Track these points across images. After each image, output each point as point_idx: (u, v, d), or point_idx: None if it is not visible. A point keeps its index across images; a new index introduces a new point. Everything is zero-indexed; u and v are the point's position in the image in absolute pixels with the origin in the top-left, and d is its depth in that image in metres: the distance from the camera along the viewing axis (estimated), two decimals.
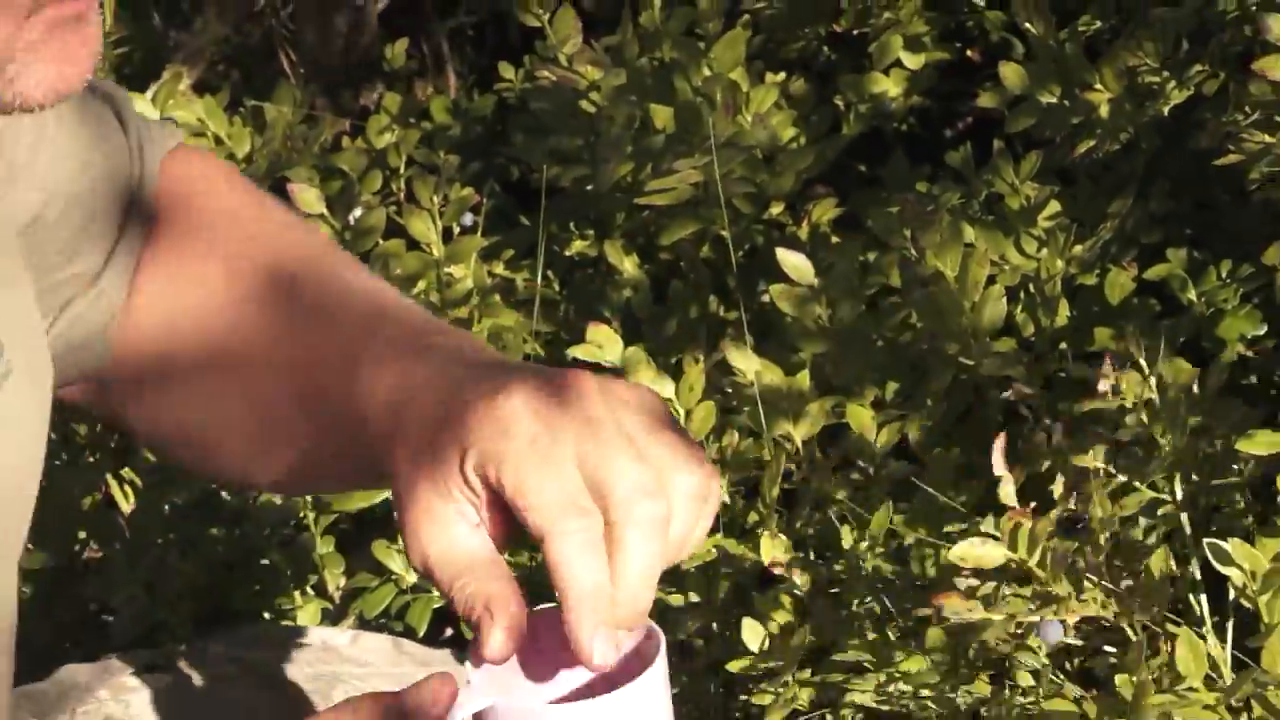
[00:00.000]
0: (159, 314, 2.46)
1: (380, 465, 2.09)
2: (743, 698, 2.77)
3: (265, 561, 3.17)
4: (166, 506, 3.35)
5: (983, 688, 2.53)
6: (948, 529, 2.66)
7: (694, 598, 2.84)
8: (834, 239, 2.98)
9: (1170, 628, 2.38)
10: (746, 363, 2.75)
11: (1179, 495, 2.53)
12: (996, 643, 2.50)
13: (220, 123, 3.22)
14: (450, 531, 1.96)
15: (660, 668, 1.94)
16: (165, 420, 2.51)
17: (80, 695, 2.77)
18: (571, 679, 2.06)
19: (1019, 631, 2.46)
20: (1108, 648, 2.53)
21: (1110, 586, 2.41)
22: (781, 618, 2.63)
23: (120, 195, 2.46)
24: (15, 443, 2.33)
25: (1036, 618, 2.41)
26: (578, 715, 1.97)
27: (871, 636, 2.62)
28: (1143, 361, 2.54)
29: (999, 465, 2.44)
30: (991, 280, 2.80)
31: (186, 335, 2.47)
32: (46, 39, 1.91)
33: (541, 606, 2.09)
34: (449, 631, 3.10)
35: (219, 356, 2.46)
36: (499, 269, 3.16)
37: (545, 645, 2.04)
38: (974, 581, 2.42)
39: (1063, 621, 2.42)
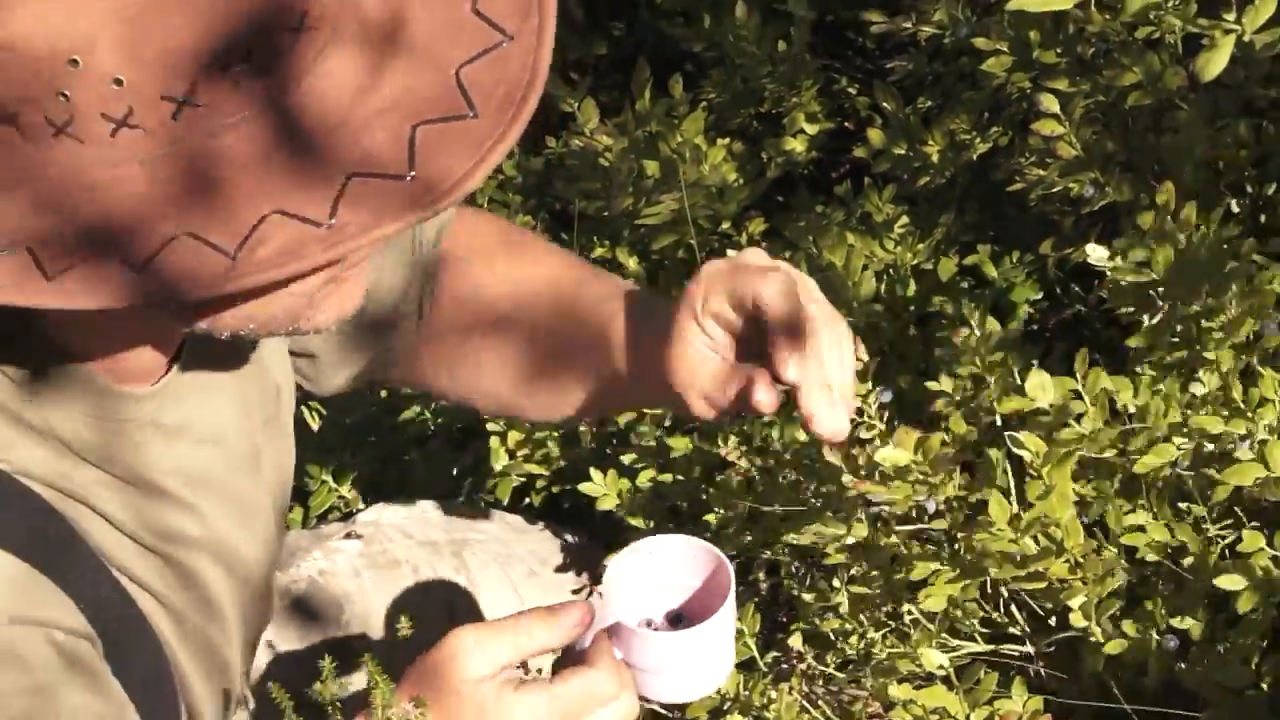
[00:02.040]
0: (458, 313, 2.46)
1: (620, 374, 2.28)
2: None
3: (408, 458, 3.12)
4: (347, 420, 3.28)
5: (860, 530, 2.47)
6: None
7: (680, 477, 2.80)
8: (763, 244, 2.94)
9: (991, 493, 2.35)
10: None
11: (996, 406, 2.50)
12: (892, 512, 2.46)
13: None
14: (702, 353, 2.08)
15: (733, 596, 2.05)
16: (462, 383, 2.49)
17: (301, 554, 2.77)
18: (671, 602, 2.15)
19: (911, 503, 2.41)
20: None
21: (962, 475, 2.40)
22: (730, 495, 2.63)
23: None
24: (288, 447, 2.32)
25: (922, 496, 2.38)
26: (684, 639, 2.06)
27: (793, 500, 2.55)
28: (970, 320, 2.53)
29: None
30: (865, 267, 2.83)
31: (474, 322, 2.45)
32: (334, 290, 1.89)
33: (662, 537, 2.16)
34: (526, 500, 3.03)
35: (498, 331, 2.45)
36: None
37: (659, 571, 2.13)
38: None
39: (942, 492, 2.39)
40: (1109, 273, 2.49)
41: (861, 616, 2.47)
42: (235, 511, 2.18)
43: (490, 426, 3.03)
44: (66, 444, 1.96)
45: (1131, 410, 2.35)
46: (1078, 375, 2.35)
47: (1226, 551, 2.32)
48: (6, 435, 1.91)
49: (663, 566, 2.13)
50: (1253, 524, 2.30)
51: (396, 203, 1.69)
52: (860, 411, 2.38)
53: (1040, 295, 2.81)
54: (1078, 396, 2.34)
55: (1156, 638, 2.32)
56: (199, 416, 2.11)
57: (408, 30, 1.79)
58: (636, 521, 2.78)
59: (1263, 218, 2.54)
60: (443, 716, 2.03)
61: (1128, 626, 2.33)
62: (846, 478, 2.44)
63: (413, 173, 1.71)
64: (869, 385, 2.39)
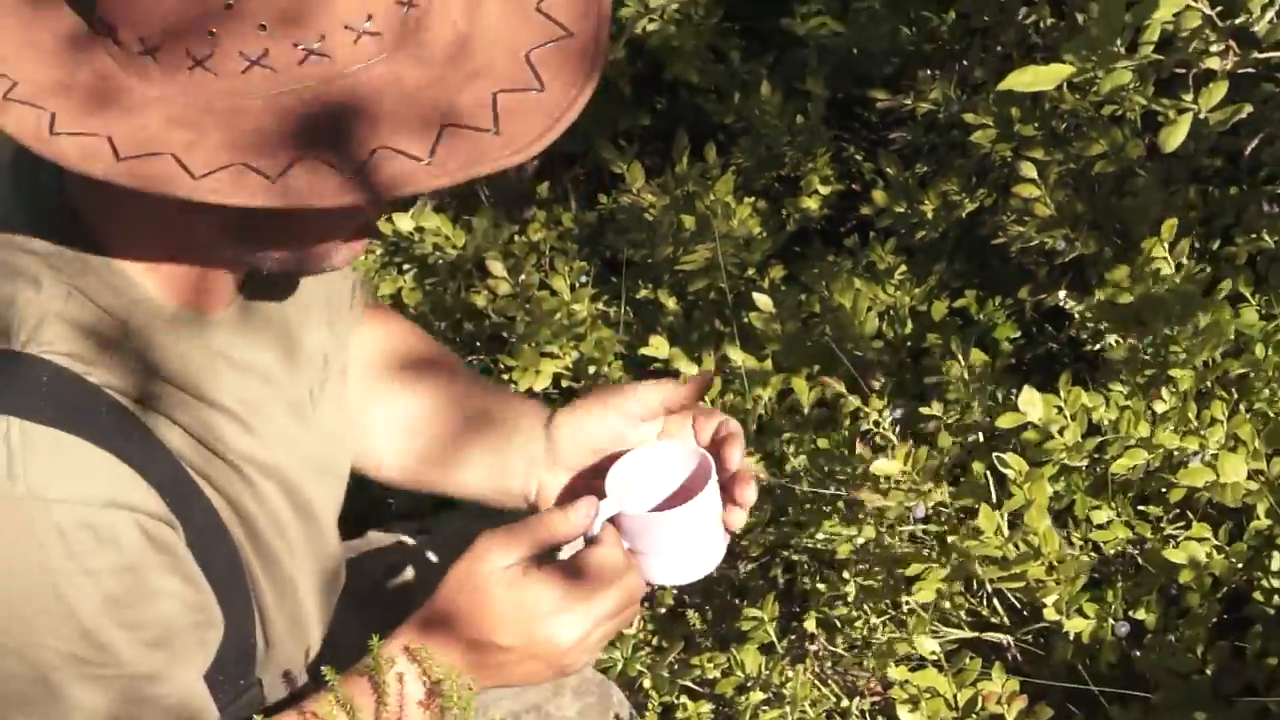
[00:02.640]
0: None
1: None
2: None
3: None
4: None
5: (870, 532, 2.48)
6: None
7: None
8: (783, 288, 2.98)
9: (981, 506, 2.36)
10: (737, 355, 2.76)
11: (981, 427, 2.54)
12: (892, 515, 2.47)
13: (448, 228, 3.20)
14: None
15: (715, 483, 2.08)
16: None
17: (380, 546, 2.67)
18: (656, 498, 2.18)
19: (905, 508, 2.42)
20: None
21: (949, 487, 2.44)
22: (758, 498, 2.61)
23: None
24: (345, 419, 2.31)
25: (913, 502, 2.40)
26: (676, 517, 2.07)
27: (808, 507, 2.57)
28: (958, 354, 2.58)
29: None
30: (869, 308, 2.82)
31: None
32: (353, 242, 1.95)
33: (657, 443, 2.21)
34: None
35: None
36: (600, 305, 3.13)
37: (654, 473, 2.17)
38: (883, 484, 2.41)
39: (931, 498, 2.41)
40: (1086, 313, 2.54)
41: (865, 606, 2.47)
42: (289, 449, 2.14)
43: None
44: (144, 364, 1.95)
45: (1105, 423, 2.36)
46: (1061, 394, 2.35)
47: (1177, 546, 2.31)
48: (90, 356, 1.90)
49: (657, 469, 2.16)
50: (1200, 524, 2.32)
51: (483, 151, 1.73)
52: (876, 423, 2.43)
53: (1019, 334, 2.80)
54: (1060, 411, 2.35)
55: (1112, 623, 2.33)
56: (252, 354, 2.09)
57: (484, 18, 1.84)
58: None
59: (1209, 269, 2.55)
60: (476, 605, 2.03)
61: (1088, 609, 2.34)
62: (853, 487, 2.47)
63: (496, 129, 1.75)
64: (882, 404, 2.44)
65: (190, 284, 2.02)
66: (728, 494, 2.21)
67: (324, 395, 2.23)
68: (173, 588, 1.96)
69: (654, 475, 2.17)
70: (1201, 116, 1.94)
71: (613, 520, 2.06)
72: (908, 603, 2.45)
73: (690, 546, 2.11)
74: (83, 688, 1.94)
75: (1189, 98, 1.98)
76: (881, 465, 2.40)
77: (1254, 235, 2.60)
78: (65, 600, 1.88)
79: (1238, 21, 1.87)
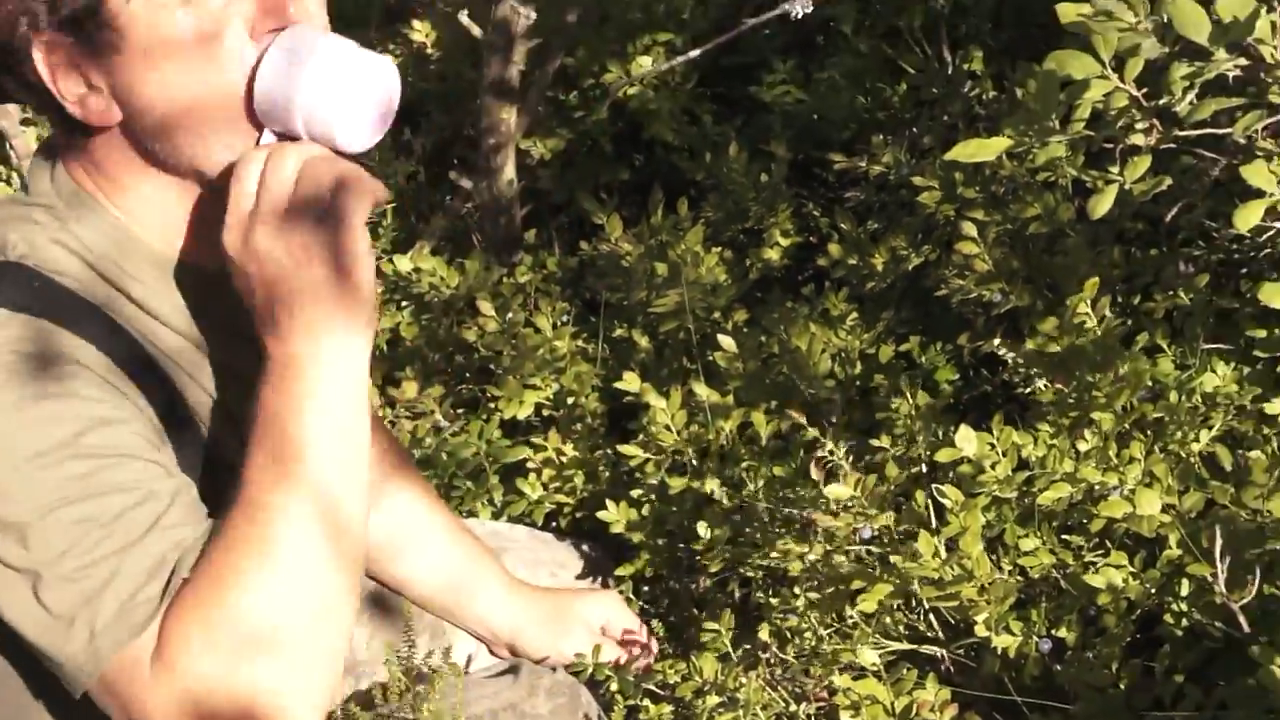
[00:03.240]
0: None
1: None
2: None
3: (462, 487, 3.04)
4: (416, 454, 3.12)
5: (820, 550, 2.44)
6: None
7: (674, 509, 2.75)
8: (745, 330, 2.98)
9: (920, 533, 2.35)
10: (702, 390, 2.74)
11: (923, 460, 2.53)
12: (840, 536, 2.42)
13: (443, 269, 3.20)
14: None
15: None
16: None
17: None
18: None
19: (853, 530, 2.40)
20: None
21: (893, 513, 2.41)
22: (714, 522, 2.63)
23: None
24: None
25: (860, 524, 2.38)
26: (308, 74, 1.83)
27: (763, 528, 2.54)
28: (905, 393, 2.57)
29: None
30: (823, 351, 2.82)
31: None
32: None
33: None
34: (555, 523, 3.00)
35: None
36: (579, 342, 3.13)
37: None
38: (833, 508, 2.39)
39: (877, 522, 2.39)
40: (1018, 360, 2.54)
41: (813, 617, 2.45)
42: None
43: (529, 463, 3.02)
44: (123, 286, 2.02)
45: (1033, 459, 2.36)
46: (994, 432, 2.36)
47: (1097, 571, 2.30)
48: (73, 271, 1.98)
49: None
50: (1118, 552, 2.32)
51: None
52: (831, 453, 2.42)
53: (957, 376, 2.80)
54: (993, 448, 2.35)
55: (1036, 640, 2.32)
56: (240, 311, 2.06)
57: None
58: (639, 539, 2.75)
59: (1129, 322, 2.55)
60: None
61: (1015, 626, 2.33)
62: (805, 510, 2.45)
63: None
64: (835, 441, 2.43)
65: (185, 238, 2.05)
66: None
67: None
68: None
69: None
70: (1127, 187, 1.95)
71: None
72: (852, 617, 2.43)
73: (348, 88, 1.89)
74: None
75: (1116, 169, 1.99)
76: (834, 490, 2.39)
77: (1171, 293, 2.60)
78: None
79: (1161, 102, 1.87)
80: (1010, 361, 2.58)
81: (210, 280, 2.06)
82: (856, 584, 2.40)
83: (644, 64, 3.46)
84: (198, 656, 1.86)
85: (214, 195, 2.00)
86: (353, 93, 1.88)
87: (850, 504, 2.40)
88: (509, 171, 3.42)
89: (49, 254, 1.99)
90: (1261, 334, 2.45)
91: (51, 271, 1.98)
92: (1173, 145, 1.93)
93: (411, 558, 2.50)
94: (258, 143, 1.91)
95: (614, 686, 2.50)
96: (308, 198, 1.89)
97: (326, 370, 1.93)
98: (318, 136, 1.88)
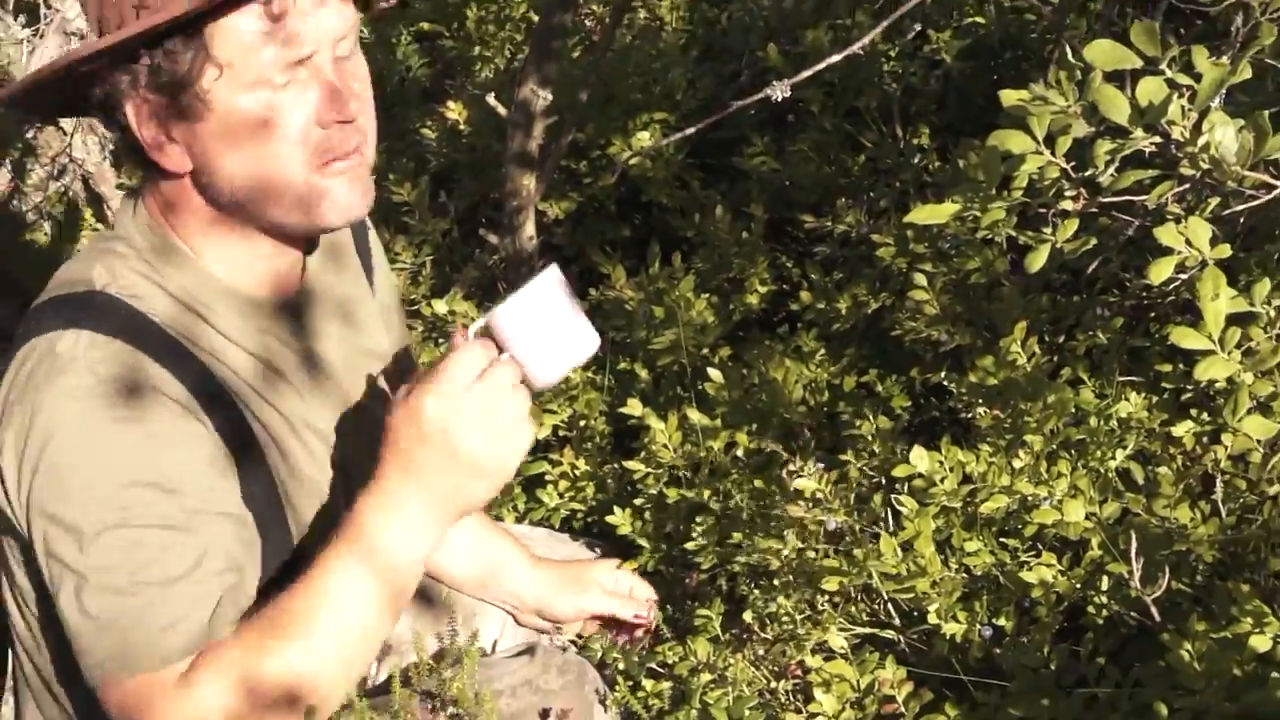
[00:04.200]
0: None
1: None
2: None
3: None
4: None
5: (795, 542, 2.42)
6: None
7: (670, 516, 2.74)
8: (729, 364, 2.97)
9: (882, 534, 2.38)
10: (694, 415, 2.73)
11: (882, 474, 2.52)
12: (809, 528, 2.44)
13: (474, 311, 3.20)
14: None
15: (556, 275, 1.87)
16: None
17: None
18: None
19: (819, 522, 2.41)
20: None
21: (855, 513, 2.44)
22: (709, 524, 2.62)
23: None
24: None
25: (825, 517, 2.39)
26: (523, 301, 1.87)
27: (746, 531, 2.53)
28: (868, 417, 2.58)
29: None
30: (796, 381, 2.81)
31: None
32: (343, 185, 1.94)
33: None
34: (569, 525, 2.99)
35: None
36: (589, 374, 3.11)
37: None
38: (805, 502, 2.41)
39: (839, 518, 2.39)
40: (962, 390, 2.54)
41: (789, 604, 2.43)
42: (331, 416, 2.11)
43: (547, 476, 3.01)
44: (202, 319, 1.98)
45: (975, 474, 2.36)
46: (942, 451, 2.36)
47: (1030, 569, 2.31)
48: (158, 306, 1.95)
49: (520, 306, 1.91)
50: (1048, 553, 2.32)
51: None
52: (802, 468, 2.42)
53: (910, 403, 2.79)
54: (941, 464, 2.35)
55: (979, 627, 2.32)
56: (300, 338, 2.09)
57: None
58: (643, 541, 2.74)
59: (1055, 359, 2.56)
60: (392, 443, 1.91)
61: (961, 615, 2.33)
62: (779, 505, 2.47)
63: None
64: (811, 459, 2.44)
65: (249, 272, 2.03)
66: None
67: (370, 374, 2.18)
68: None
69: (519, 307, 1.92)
70: (1058, 246, 1.96)
71: (480, 332, 1.90)
72: (823, 607, 2.42)
73: (549, 336, 1.90)
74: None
75: (1048, 230, 2.00)
76: (802, 483, 2.40)
77: (1090, 333, 2.60)
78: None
79: (1087, 173, 1.88)
80: (955, 391, 2.58)
81: (272, 308, 2.07)
82: (826, 576, 2.39)
83: (643, 138, 3.47)
84: (226, 699, 1.84)
85: (273, 234, 2.01)
86: (565, 359, 1.92)
87: (817, 497, 2.40)
88: (529, 229, 3.42)
89: (132, 286, 1.96)
90: (1168, 369, 2.45)
91: (132, 299, 1.94)
92: (1095, 209, 1.94)
93: (447, 549, 2.48)
94: (471, 329, 1.91)
95: (620, 666, 2.50)
96: (495, 412, 1.87)
97: (425, 515, 1.92)
98: (524, 366, 1.88)
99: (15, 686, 2.21)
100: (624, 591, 2.60)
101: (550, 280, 1.89)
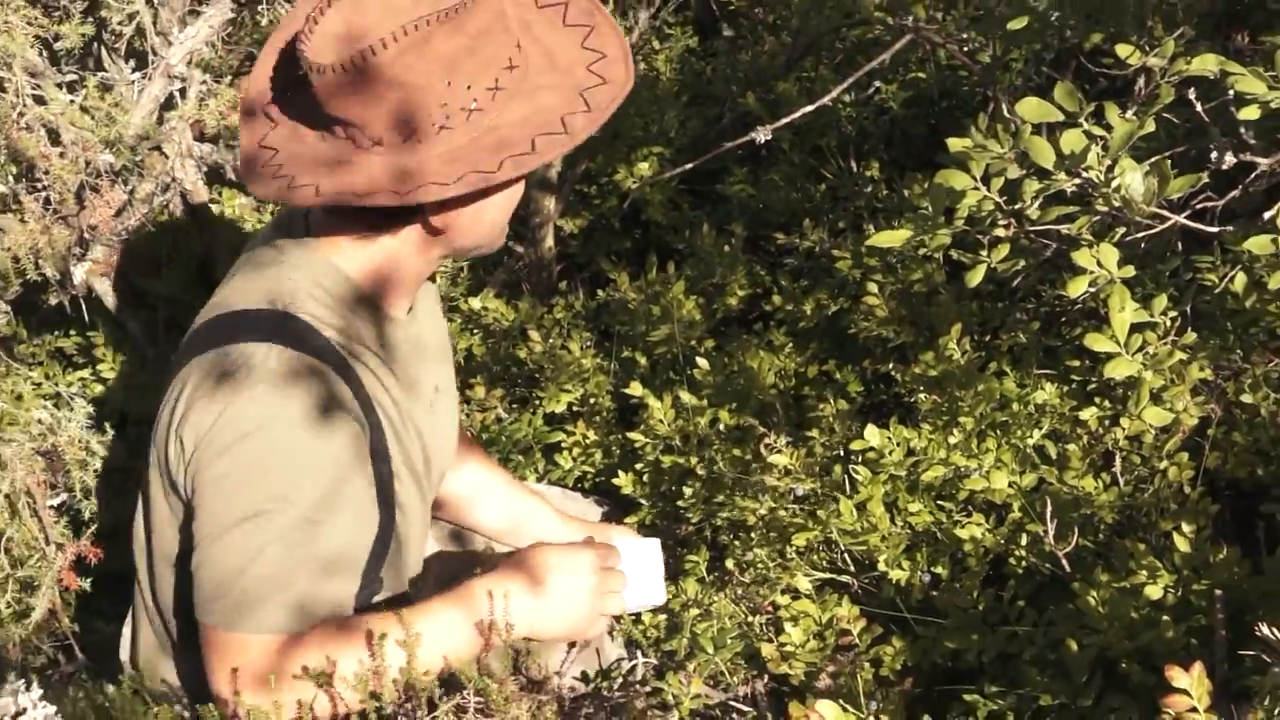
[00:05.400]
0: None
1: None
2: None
3: (515, 458, 3.03)
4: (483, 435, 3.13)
5: (769, 503, 2.45)
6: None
7: (665, 478, 2.74)
8: (714, 354, 2.94)
9: (841, 498, 2.40)
10: (685, 396, 2.73)
11: (841, 447, 2.52)
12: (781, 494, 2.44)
13: (503, 307, 3.19)
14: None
15: (659, 552, 2.07)
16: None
17: None
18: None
19: (789, 489, 2.42)
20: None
21: (818, 481, 2.45)
22: (697, 486, 2.61)
23: None
24: (450, 439, 2.25)
25: (795, 484, 2.40)
26: (648, 545, 2.06)
27: (728, 492, 2.55)
28: (829, 400, 2.57)
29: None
30: (769, 370, 2.81)
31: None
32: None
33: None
34: (582, 485, 2.97)
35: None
36: (598, 360, 3.09)
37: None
38: (777, 471, 2.45)
39: (806, 486, 2.40)
40: (906, 379, 2.54)
41: (763, 554, 2.45)
42: (424, 420, 2.09)
43: (563, 444, 3.00)
44: (353, 330, 1.95)
45: (918, 449, 2.37)
46: (890, 429, 2.37)
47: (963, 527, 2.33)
48: (325, 320, 1.91)
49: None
50: (978, 514, 2.34)
51: (591, 120, 1.80)
52: (774, 440, 2.42)
53: (863, 389, 2.79)
54: (890, 440, 2.36)
55: (920, 574, 2.34)
56: (408, 347, 2.06)
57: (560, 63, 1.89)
58: (641, 499, 2.75)
59: (983, 354, 2.56)
60: (534, 560, 1.92)
61: (905, 564, 2.34)
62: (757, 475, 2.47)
63: (588, 108, 1.82)
64: (777, 432, 2.43)
65: (382, 288, 2.01)
66: None
67: (438, 405, 2.16)
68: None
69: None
70: (992, 266, 1.95)
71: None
72: (791, 556, 2.43)
73: (649, 579, 2.06)
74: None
75: (984, 252, 1.99)
76: (776, 458, 2.40)
77: (1013, 334, 2.61)
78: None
79: (1017, 207, 1.88)
80: (900, 380, 2.59)
81: (402, 328, 2.05)
82: (794, 531, 2.40)
83: (643, 168, 3.45)
84: (295, 673, 1.81)
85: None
86: (645, 600, 2.07)
87: (787, 467, 2.40)
88: (549, 241, 3.42)
89: (309, 306, 1.92)
90: (1076, 364, 2.46)
91: (313, 320, 1.91)
92: (1024, 237, 1.93)
93: (481, 506, 2.45)
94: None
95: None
96: (589, 595, 1.92)
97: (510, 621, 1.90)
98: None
99: (134, 614, 2.19)
100: None
101: (659, 548, 2.08)
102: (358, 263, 1.97)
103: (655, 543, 2.08)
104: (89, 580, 2.50)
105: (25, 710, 1.13)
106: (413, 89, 1.78)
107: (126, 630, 2.22)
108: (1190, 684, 1.52)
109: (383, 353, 2.00)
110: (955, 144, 1.83)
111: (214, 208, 3.41)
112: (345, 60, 1.76)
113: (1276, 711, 1.49)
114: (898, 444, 2.36)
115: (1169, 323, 1.99)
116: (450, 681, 1.95)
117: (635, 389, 2.81)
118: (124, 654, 2.22)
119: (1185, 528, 2.12)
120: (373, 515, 1.93)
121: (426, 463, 2.08)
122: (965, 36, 2.72)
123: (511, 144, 1.81)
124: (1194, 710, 1.51)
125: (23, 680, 1.14)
